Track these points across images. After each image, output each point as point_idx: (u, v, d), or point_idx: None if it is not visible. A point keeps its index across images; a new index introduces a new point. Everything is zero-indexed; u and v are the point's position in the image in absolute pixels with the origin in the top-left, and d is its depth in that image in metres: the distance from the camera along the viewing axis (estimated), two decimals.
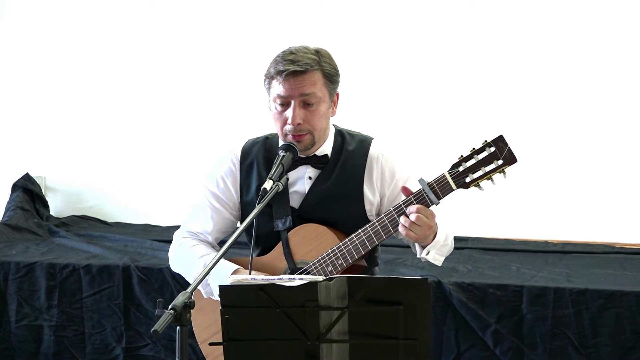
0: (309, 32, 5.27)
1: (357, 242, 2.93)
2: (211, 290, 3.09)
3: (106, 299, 4.59)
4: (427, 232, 2.85)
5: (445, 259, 3.06)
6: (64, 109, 5.77)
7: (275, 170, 2.87)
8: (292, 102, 2.95)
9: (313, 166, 3.08)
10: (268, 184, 2.82)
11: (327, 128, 3.08)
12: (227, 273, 3.02)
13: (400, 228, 2.85)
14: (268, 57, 3.08)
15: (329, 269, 2.95)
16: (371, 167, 3.08)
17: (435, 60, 5.30)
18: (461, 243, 4.96)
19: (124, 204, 5.75)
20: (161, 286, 4.54)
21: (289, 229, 3.05)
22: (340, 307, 2.45)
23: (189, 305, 2.32)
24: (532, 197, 5.21)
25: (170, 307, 2.29)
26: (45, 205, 5.71)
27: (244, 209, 3.16)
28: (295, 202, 3.08)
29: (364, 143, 3.12)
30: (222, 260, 2.97)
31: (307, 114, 2.96)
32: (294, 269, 3.02)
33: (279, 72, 2.94)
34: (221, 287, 2.46)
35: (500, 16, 5.20)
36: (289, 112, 2.96)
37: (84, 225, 5.58)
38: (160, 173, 5.70)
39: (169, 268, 4.38)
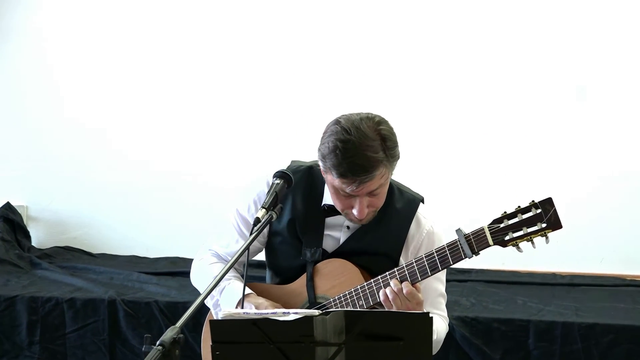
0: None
1: (382, 284, 2.82)
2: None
3: (91, 334, 4.58)
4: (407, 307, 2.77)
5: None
6: (47, 135, 5.77)
7: (268, 198, 2.75)
8: (358, 198, 2.80)
9: None
10: (260, 213, 2.71)
11: None
12: (238, 297, 2.93)
13: (387, 290, 2.77)
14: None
15: (349, 307, 2.86)
16: (414, 234, 2.97)
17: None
18: (464, 275, 4.97)
19: (109, 234, 5.72)
20: (148, 321, 4.53)
21: (316, 262, 2.97)
22: (337, 343, 2.39)
23: (177, 341, 2.23)
24: None
25: (158, 343, 2.19)
26: (27, 236, 5.70)
27: (271, 236, 3.05)
28: (328, 245, 2.99)
29: (411, 204, 2.98)
30: (237, 284, 2.97)
31: (372, 200, 2.83)
32: (313, 302, 2.95)
33: (344, 175, 2.74)
34: (212, 322, 2.41)
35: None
36: (354, 203, 2.80)
37: (68, 257, 5.54)
38: (147, 202, 5.67)
39: (156, 302, 4.64)
